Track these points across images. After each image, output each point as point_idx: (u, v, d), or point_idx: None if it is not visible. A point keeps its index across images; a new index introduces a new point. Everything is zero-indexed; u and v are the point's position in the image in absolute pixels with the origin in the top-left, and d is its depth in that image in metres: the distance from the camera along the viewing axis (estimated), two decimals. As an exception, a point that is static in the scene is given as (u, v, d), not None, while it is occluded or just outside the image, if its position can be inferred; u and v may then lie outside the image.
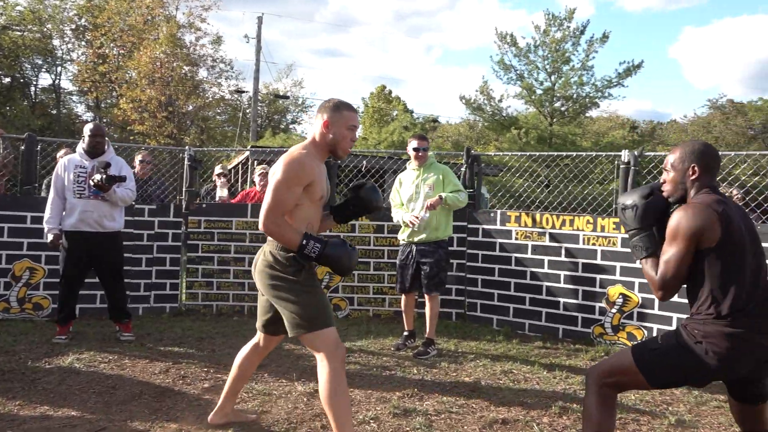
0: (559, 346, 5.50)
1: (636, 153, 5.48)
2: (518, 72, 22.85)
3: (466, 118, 31.00)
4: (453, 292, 6.38)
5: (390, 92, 40.33)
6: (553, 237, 5.82)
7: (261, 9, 76.60)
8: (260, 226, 2.81)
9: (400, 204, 5.20)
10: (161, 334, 5.44)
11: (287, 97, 33.86)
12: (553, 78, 22.62)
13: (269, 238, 2.93)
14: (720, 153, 5.90)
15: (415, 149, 5.12)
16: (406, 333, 5.29)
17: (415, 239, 5.05)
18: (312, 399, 3.81)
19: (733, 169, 10.08)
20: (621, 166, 5.50)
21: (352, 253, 2.92)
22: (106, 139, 5.24)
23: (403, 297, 5.26)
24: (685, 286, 2.47)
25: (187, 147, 6.83)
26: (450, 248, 6.16)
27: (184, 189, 6.70)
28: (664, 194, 2.56)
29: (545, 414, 3.68)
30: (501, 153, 7.97)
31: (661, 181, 2.58)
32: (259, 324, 3.17)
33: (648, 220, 2.51)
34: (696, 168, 2.45)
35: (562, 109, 23.24)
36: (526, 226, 5.96)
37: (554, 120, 23.01)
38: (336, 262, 2.85)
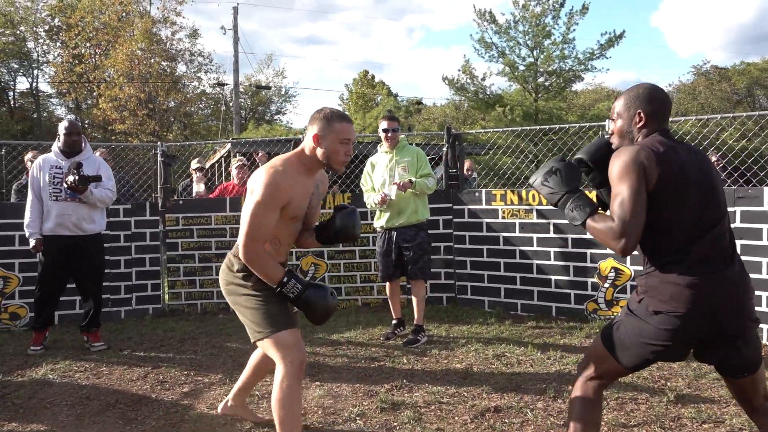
0: (552, 324, 5.37)
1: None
2: (500, 49, 22.54)
3: (451, 99, 30.72)
4: (442, 276, 6.22)
5: (373, 77, 40.04)
6: (541, 213, 5.66)
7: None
8: (241, 255, 2.62)
9: (372, 188, 4.99)
10: (142, 338, 5.26)
11: (269, 88, 33.41)
12: (535, 53, 22.34)
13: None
14: (706, 117, 5.74)
15: (384, 130, 4.89)
16: (394, 321, 5.12)
17: (395, 224, 4.86)
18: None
19: (720, 133, 9.92)
20: (605, 137, 5.31)
21: (332, 301, 2.70)
22: (83, 136, 4.98)
23: (387, 285, 5.07)
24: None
25: (159, 143, 6.61)
26: (436, 231, 6.03)
27: (159, 186, 6.49)
28: (613, 146, 2.29)
29: (540, 398, 3.54)
30: (483, 131, 7.73)
31: (609, 132, 2.33)
32: None
33: (575, 180, 2.29)
34: (642, 114, 2.21)
35: (546, 84, 22.99)
36: (512, 204, 5.80)
37: (539, 96, 22.79)
38: (313, 308, 2.65)
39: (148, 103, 24.41)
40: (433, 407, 3.45)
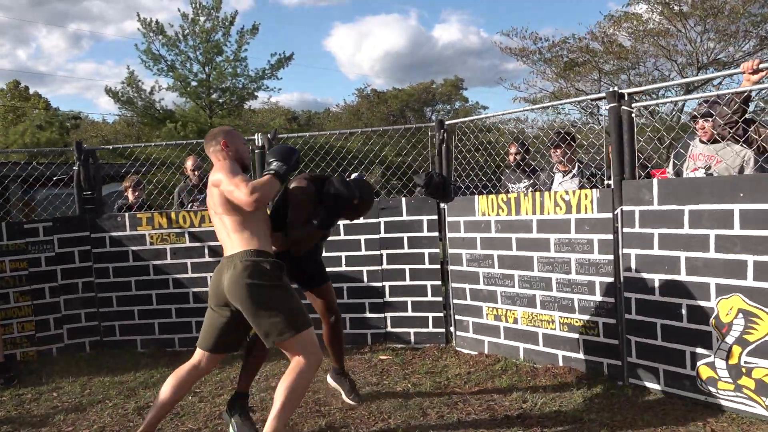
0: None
1: (269, 136, 5.10)
2: (169, 63, 21.51)
3: (123, 115, 28.24)
4: (83, 318, 5.23)
5: (27, 88, 35.17)
6: (194, 236, 5.13)
7: None
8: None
9: None
10: None
11: None
12: (207, 69, 21.88)
13: (233, 250, 2.88)
14: (361, 132, 5.87)
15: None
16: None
17: None
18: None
19: (379, 151, 10.66)
20: (256, 151, 5.06)
21: None
22: None
23: None
24: None
25: None
26: (72, 265, 5.10)
27: None
28: None
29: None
30: (143, 144, 6.70)
31: None
32: (207, 344, 3.01)
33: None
34: None
35: (221, 101, 22.70)
36: (161, 227, 5.15)
37: (214, 112, 22.35)
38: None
39: None
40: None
